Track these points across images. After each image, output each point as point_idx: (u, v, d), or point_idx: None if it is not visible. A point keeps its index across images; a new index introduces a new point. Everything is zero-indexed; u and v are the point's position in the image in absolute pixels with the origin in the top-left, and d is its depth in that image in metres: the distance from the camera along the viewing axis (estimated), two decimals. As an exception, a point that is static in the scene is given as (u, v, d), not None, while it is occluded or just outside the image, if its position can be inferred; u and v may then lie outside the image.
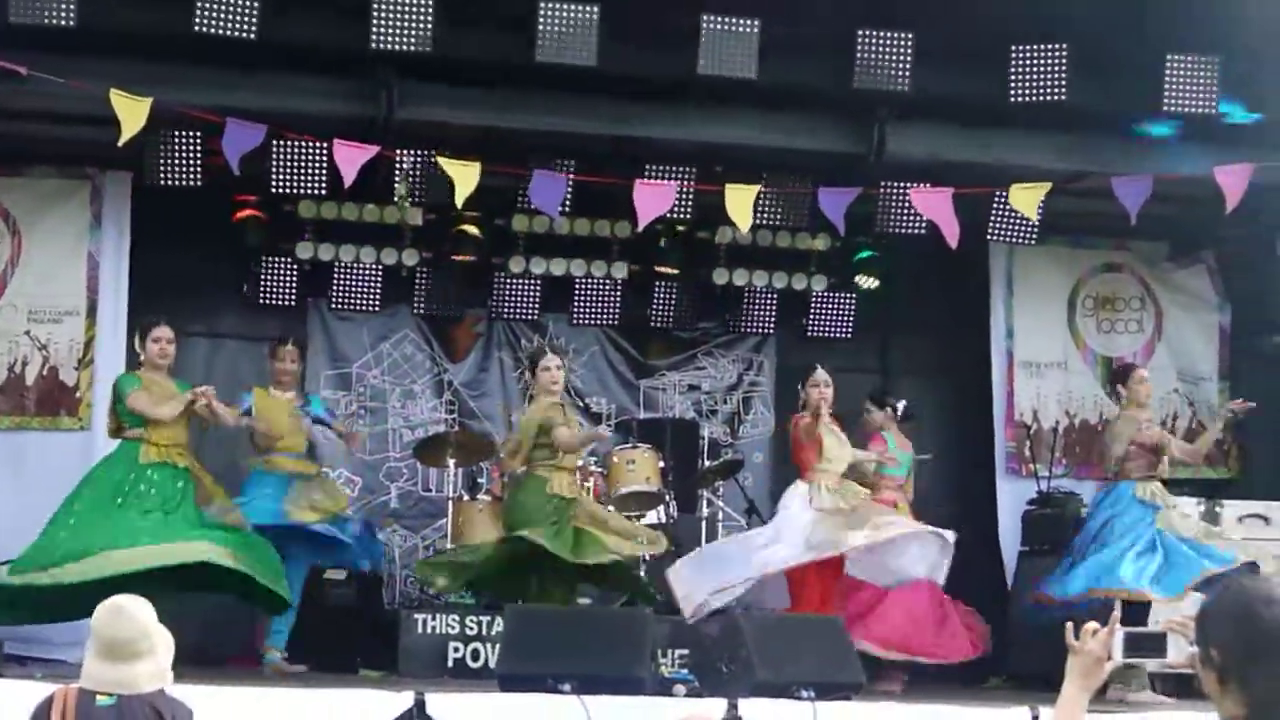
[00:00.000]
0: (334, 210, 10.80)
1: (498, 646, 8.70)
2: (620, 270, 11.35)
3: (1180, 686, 8.83)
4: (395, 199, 9.92)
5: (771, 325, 11.84)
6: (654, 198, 9.31)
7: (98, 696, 4.79)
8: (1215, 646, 3.06)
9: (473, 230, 10.96)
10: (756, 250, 11.46)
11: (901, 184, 9.89)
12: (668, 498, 10.20)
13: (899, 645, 9.55)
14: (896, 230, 10.49)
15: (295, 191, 10.17)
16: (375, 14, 8.81)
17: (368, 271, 11.04)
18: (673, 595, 9.09)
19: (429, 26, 8.84)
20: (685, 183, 9.99)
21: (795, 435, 9.52)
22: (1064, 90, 9.43)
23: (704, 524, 10.59)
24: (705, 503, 10.77)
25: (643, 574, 9.53)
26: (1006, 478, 11.51)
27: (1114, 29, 9.41)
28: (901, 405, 10.40)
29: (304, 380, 10.81)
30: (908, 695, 9.01)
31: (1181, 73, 9.52)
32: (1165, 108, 9.56)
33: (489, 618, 9.20)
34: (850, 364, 10.88)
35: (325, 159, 9.41)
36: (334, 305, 11.26)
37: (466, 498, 10.23)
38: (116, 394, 8.78)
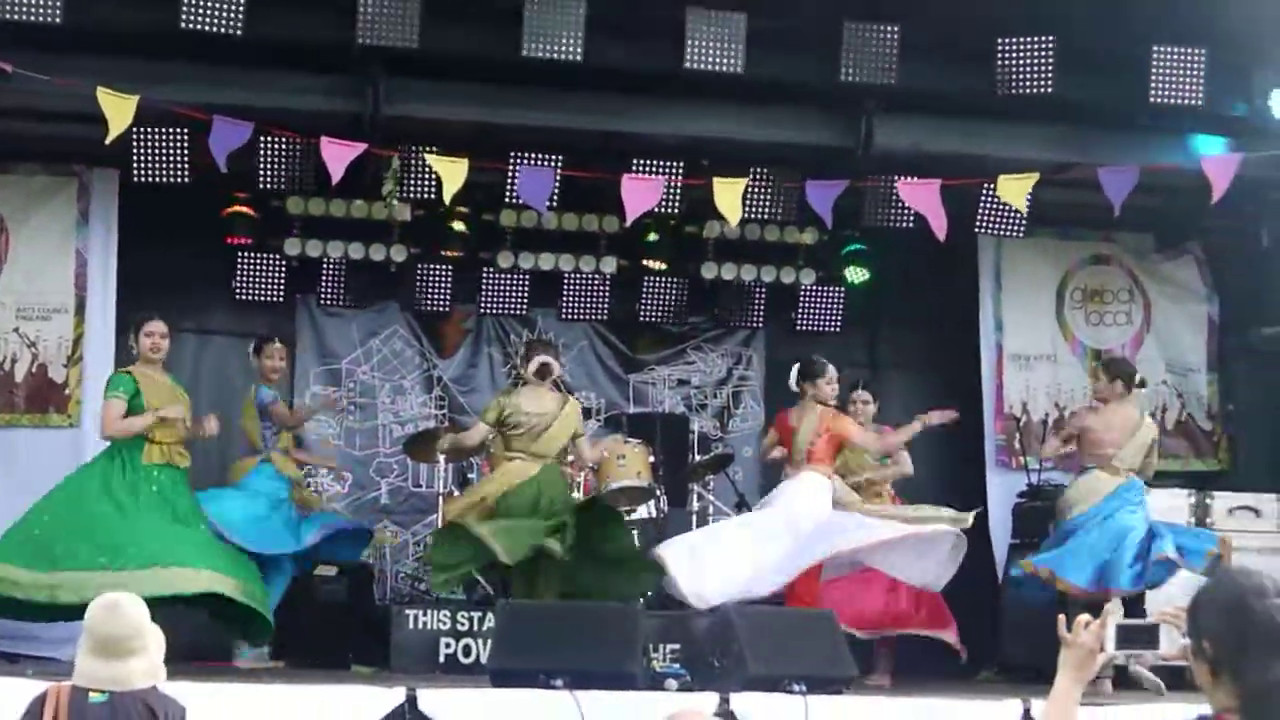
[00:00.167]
0: (322, 206, 10.79)
1: (489, 642, 8.71)
2: (609, 265, 11.32)
3: (1173, 678, 8.83)
4: (383, 194, 9.91)
5: (760, 319, 11.86)
6: (642, 192, 9.28)
7: (90, 693, 4.79)
8: (1207, 638, 3.07)
9: (460, 226, 10.96)
10: (745, 244, 11.45)
11: (889, 177, 9.88)
12: (658, 492, 10.20)
13: (891, 623, 9.44)
14: (884, 223, 10.51)
15: (283, 188, 10.19)
16: (362, 10, 8.79)
17: (356, 267, 11.03)
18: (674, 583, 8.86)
19: (415, 22, 8.82)
20: (673, 177, 9.98)
21: (823, 426, 9.11)
22: (1051, 82, 9.43)
23: (694, 518, 10.59)
24: (695, 497, 10.77)
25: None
26: (996, 470, 11.51)
27: (1100, 21, 9.42)
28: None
29: (293, 377, 10.82)
30: (899, 688, 9.00)
31: (1168, 65, 9.52)
32: (1152, 99, 9.56)
33: (480, 613, 9.20)
34: (839, 358, 10.85)
35: (313, 155, 9.39)
36: (323, 301, 11.27)
37: (456, 493, 10.21)
38: (120, 393, 8.54)
